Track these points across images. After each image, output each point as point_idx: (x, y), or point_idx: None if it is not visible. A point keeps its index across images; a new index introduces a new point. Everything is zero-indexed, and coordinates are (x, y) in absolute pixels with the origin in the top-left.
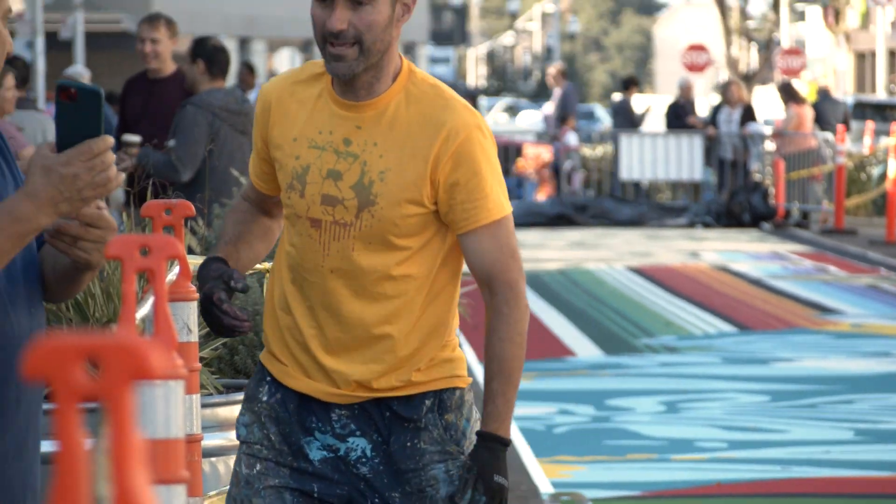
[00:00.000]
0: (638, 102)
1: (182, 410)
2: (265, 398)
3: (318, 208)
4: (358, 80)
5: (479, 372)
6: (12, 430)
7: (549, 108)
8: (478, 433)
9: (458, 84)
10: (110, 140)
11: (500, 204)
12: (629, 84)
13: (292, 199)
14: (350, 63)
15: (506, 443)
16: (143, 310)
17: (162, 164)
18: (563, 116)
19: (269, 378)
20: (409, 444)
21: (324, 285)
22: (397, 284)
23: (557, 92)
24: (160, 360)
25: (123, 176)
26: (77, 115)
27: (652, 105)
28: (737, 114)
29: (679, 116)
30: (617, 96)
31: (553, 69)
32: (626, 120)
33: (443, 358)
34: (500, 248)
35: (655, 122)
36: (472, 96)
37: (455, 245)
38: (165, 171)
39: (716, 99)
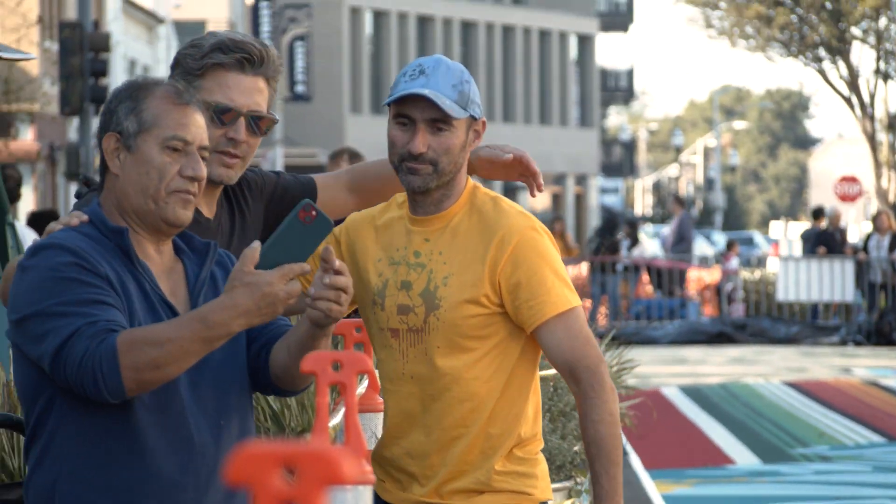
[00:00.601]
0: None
1: None
2: None
3: (395, 318)
4: (429, 196)
5: (645, 480)
6: None
7: (667, 231)
8: None
9: (625, 212)
10: (307, 267)
11: (563, 297)
12: (818, 214)
13: (375, 314)
14: (425, 178)
15: None
16: (335, 420)
17: None
18: (679, 240)
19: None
20: None
21: (405, 392)
22: (469, 387)
23: (675, 219)
24: (351, 467)
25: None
26: (301, 236)
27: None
28: (886, 241)
29: (827, 243)
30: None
31: (673, 199)
32: (815, 245)
33: (518, 471)
34: (575, 337)
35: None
36: (631, 224)
37: (526, 352)
38: None
39: (867, 227)
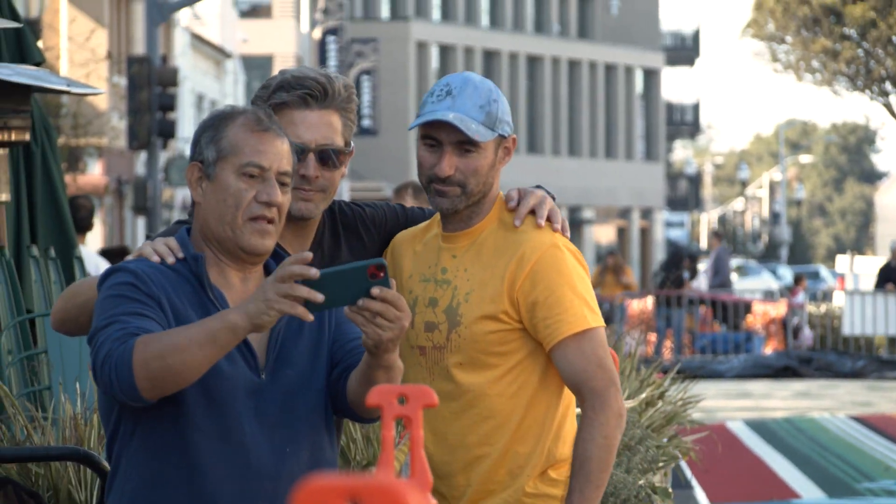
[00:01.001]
0: (859, 265)
1: None
2: None
3: (422, 336)
4: (458, 214)
5: None
6: None
7: (705, 266)
8: None
9: (690, 246)
10: (312, 271)
11: (581, 316)
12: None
13: (406, 331)
14: (453, 199)
15: None
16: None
17: None
18: (714, 273)
19: None
20: None
21: (431, 411)
22: (492, 404)
23: (713, 253)
24: (416, 500)
25: None
26: (356, 286)
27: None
28: None
29: (890, 278)
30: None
31: (711, 233)
32: (883, 281)
33: (550, 494)
34: (587, 359)
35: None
36: (691, 257)
37: (552, 369)
38: None
39: None
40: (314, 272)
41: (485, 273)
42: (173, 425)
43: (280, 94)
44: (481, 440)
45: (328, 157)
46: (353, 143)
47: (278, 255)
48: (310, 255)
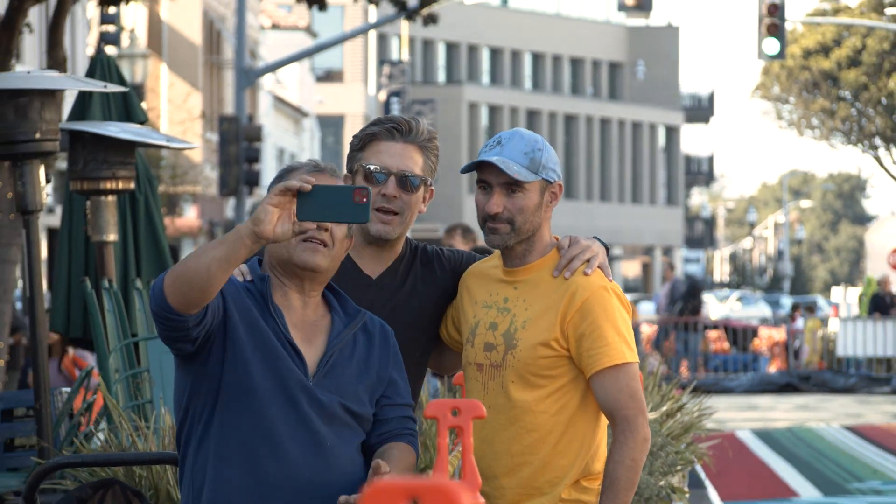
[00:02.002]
0: (851, 295)
1: None
2: None
3: (481, 354)
4: (513, 251)
5: None
6: None
7: (662, 294)
8: None
9: (705, 279)
10: (295, 184)
11: (620, 351)
12: (883, 283)
13: (467, 349)
14: (503, 237)
15: None
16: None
17: None
18: (670, 302)
19: None
20: None
21: (483, 419)
22: (536, 419)
23: (668, 284)
24: (468, 499)
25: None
26: (342, 206)
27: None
28: None
29: (879, 306)
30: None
31: (666, 266)
32: (878, 307)
33: (582, 500)
34: (620, 389)
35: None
36: (697, 287)
37: (591, 395)
38: None
39: None
40: (309, 182)
41: (541, 305)
42: (245, 409)
43: (372, 128)
44: (524, 450)
45: (406, 182)
46: (432, 183)
47: (337, 292)
48: (313, 179)
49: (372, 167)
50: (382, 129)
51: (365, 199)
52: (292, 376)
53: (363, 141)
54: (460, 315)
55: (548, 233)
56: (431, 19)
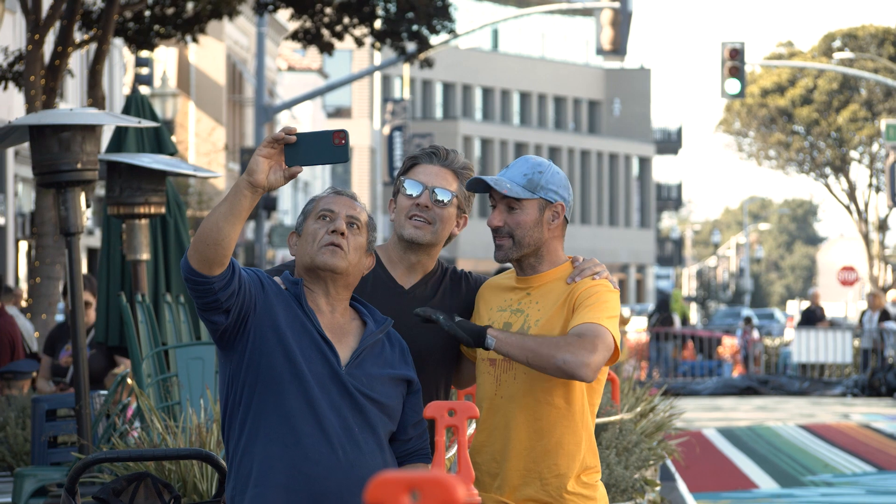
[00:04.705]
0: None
1: None
2: None
3: (493, 351)
4: (524, 262)
5: (689, 501)
6: None
7: None
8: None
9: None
10: (282, 134)
11: (600, 319)
12: (813, 298)
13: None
14: (506, 251)
15: (480, 335)
16: (449, 454)
17: None
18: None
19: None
20: None
21: (493, 408)
22: (543, 409)
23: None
24: (462, 491)
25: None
26: (323, 149)
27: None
28: (876, 316)
29: (809, 319)
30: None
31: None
32: (810, 319)
33: (583, 494)
34: (590, 330)
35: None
36: (667, 301)
37: (589, 395)
38: None
39: (863, 305)
40: (293, 132)
41: (553, 306)
42: (288, 391)
43: (416, 151)
44: (531, 436)
45: (437, 197)
46: (466, 211)
47: (366, 304)
48: (296, 128)
49: (409, 182)
50: (423, 153)
51: (343, 141)
52: (328, 365)
53: (406, 165)
54: (476, 320)
55: (559, 248)
56: (427, 63)
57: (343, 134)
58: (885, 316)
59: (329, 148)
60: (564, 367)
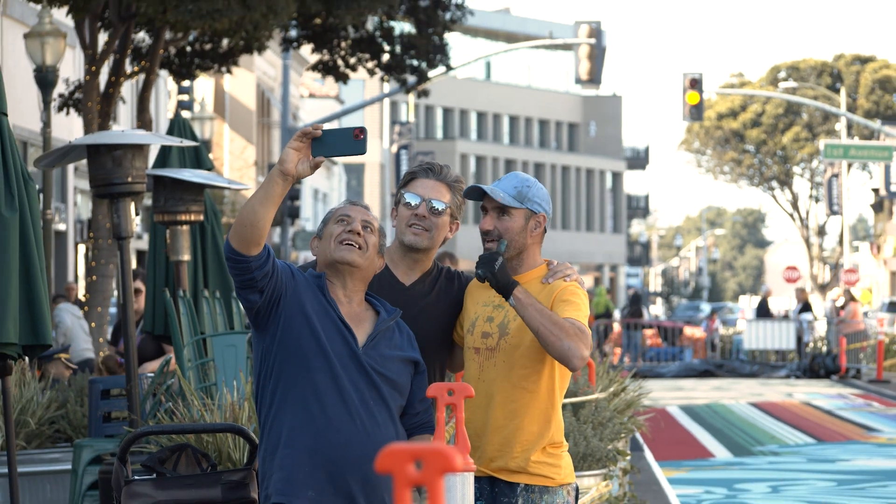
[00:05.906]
0: (754, 302)
1: (472, 492)
2: None
3: (479, 341)
4: (506, 264)
5: (655, 468)
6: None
7: None
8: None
9: (644, 290)
10: (310, 129)
11: (581, 318)
12: (765, 294)
13: (467, 338)
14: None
15: (507, 290)
16: (448, 429)
17: None
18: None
19: None
20: None
21: (477, 391)
22: (517, 393)
23: None
24: (460, 461)
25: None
26: (344, 143)
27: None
28: (799, 307)
29: (762, 312)
30: (745, 299)
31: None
32: (762, 312)
33: (548, 462)
34: (584, 330)
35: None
36: (638, 296)
37: (559, 380)
38: None
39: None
40: (319, 128)
41: None
42: (315, 366)
43: (414, 167)
44: (506, 415)
45: (433, 207)
46: (458, 218)
47: (378, 298)
48: (325, 126)
49: (408, 195)
50: (420, 169)
51: (362, 136)
52: (348, 345)
53: (405, 179)
54: (464, 315)
55: (537, 253)
56: (424, 93)
57: (362, 131)
58: (806, 308)
59: (350, 142)
60: (567, 352)
